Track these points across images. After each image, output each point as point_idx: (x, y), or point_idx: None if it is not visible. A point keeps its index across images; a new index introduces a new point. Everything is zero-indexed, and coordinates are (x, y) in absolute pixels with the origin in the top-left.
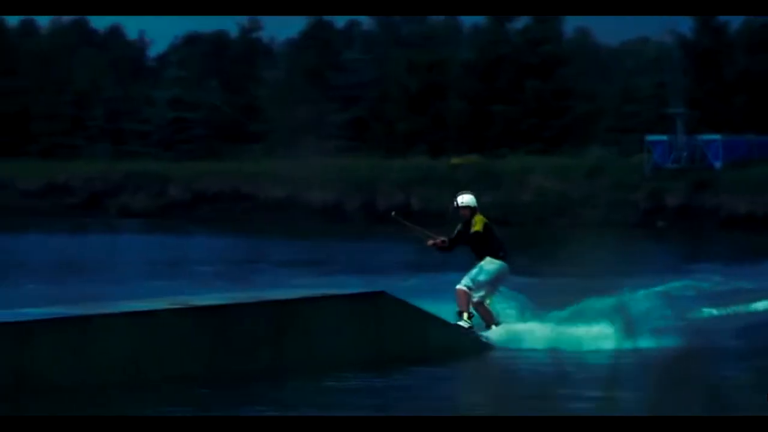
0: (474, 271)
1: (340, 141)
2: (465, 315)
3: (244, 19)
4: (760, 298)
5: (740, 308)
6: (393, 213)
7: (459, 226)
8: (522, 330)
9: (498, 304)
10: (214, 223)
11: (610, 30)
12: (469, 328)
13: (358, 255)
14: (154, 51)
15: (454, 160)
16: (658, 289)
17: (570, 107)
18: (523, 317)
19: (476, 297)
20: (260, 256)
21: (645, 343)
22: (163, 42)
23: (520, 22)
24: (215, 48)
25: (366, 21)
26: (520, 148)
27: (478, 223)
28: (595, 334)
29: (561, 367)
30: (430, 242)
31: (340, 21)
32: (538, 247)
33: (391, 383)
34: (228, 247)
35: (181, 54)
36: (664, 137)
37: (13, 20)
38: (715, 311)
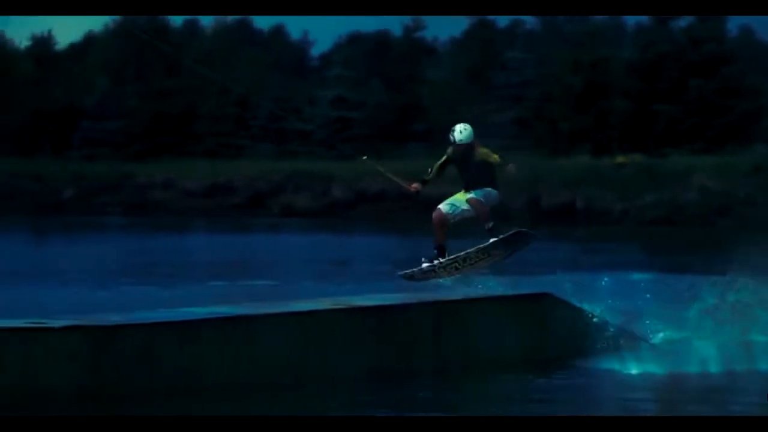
0: (484, 191)
1: (503, 140)
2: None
3: (407, 19)
4: None
5: None
6: (365, 157)
7: (445, 160)
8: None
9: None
10: (376, 222)
11: None
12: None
13: (521, 254)
14: (317, 50)
15: (619, 159)
16: None
17: (733, 106)
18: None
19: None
20: (421, 256)
21: None
22: (326, 41)
23: (684, 21)
24: (378, 47)
25: (529, 20)
26: (683, 147)
27: (491, 151)
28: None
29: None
30: (413, 186)
31: (502, 20)
32: (710, 248)
33: (555, 383)
34: (390, 246)
35: (344, 53)
36: None
37: (177, 21)
38: None
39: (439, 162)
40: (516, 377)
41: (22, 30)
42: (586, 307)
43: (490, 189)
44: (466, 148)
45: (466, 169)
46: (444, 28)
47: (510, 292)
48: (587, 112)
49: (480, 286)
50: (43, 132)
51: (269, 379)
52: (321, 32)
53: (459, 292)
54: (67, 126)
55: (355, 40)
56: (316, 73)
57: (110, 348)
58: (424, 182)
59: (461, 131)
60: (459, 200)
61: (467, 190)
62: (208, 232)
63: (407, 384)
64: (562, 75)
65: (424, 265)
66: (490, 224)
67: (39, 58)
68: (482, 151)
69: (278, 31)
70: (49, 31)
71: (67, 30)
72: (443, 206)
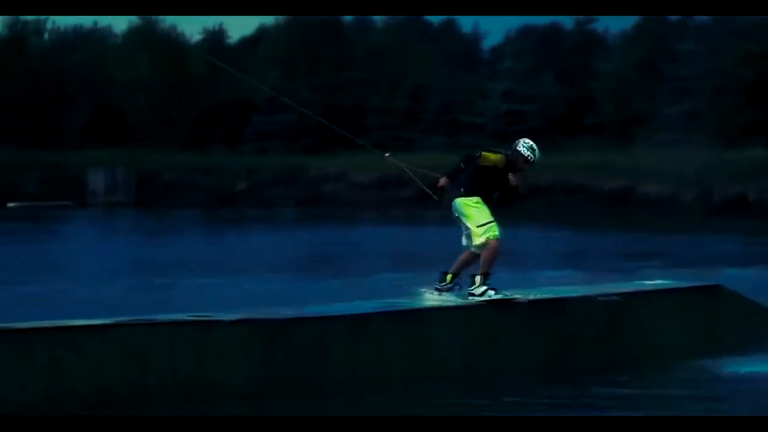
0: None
1: (675, 133)
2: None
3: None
4: None
5: None
6: (387, 154)
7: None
8: None
9: None
10: (549, 215)
11: None
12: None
13: (694, 247)
14: (488, 43)
15: None
16: None
17: None
18: None
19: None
20: (594, 249)
21: None
22: (497, 34)
23: None
24: (549, 40)
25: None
26: None
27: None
28: None
29: None
30: (441, 182)
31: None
32: None
33: (732, 378)
34: (562, 239)
35: (515, 46)
36: None
37: (348, 16)
38: None
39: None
40: (690, 370)
41: (194, 24)
42: (759, 300)
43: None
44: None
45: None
46: (615, 21)
47: (680, 284)
48: (761, 104)
49: (651, 282)
50: (216, 126)
51: (438, 372)
52: (492, 25)
53: (632, 285)
54: (239, 120)
55: (526, 32)
56: (487, 66)
57: (283, 342)
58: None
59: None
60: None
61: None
62: (379, 225)
63: (580, 379)
64: (733, 67)
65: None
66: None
67: (211, 52)
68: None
69: (449, 25)
70: (221, 26)
71: (239, 24)
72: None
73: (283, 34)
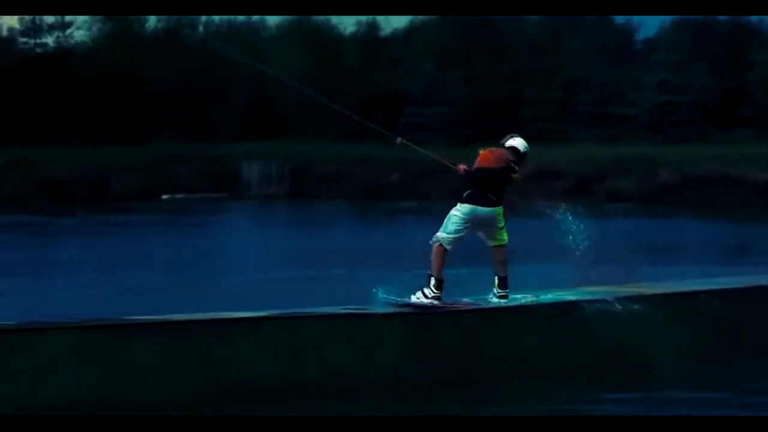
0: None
1: None
2: (432, 281)
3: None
4: None
5: None
6: (399, 140)
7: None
8: None
9: None
10: (703, 207)
11: None
12: (436, 298)
13: None
14: (642, 35)
15: None
16: None
17: None
18: None
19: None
20: (753, 244)
21: None
22: (652, 26)
23: None
24: (704, 31)
25: None
26: None
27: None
28: None
29: None
30: (461, 167)
31: None
32: None
33: None
34: (717, 232)
35: (670, 37)
36: None
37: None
38: None
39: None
40: None
41: (347, 17)
42: None
43: (454, 209)
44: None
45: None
46: None
47: None
48: None
49: None
50: (370, 117)
51: (598, 363)
52: (646, 17)
53: None
54: (393, 112)
55: (680, 24)
56: (640, 57)
57: (430, 335)
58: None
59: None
60: None
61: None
62: (535, 218)
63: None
64: None
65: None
66: (429, 272)
67: (364, 45)
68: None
69: (603, 17)
70: (374, 18)
71: (392, 16)
72: None
73: (437, 27)
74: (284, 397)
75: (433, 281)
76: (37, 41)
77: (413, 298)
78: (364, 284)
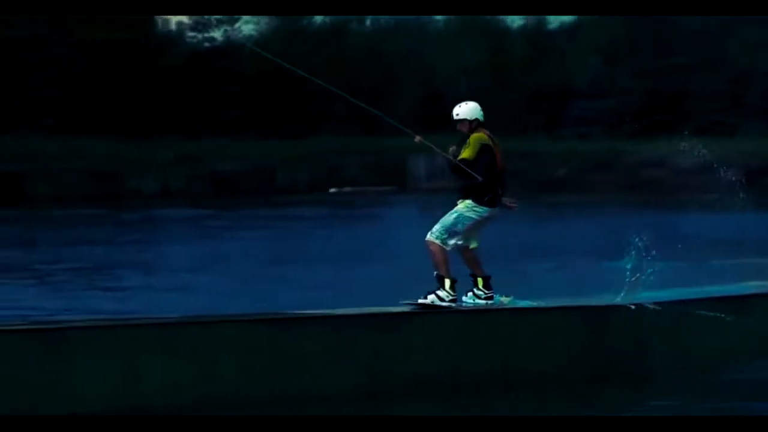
0: (450, 218)
1: None
2: (447, 282)
3: None
4: None
5: None
6: (417, 138)
7: (453, 147)
8: None
9: None
10: None
11: None
12: (452, 300)
13: None
14: None
15: None
16: None
17: None
18: None
19: (450, 245)
20: None
21: None
22: None
23: None
24: None
25: None
26: None
27: (470, 146)
28: None
29: None
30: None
31: None
32: None
33: None
34: None
35: None
36: None
37: None
38: None
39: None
40: None
41: None
42: None
43: (465, 204)
44: (468, 130)
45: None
46: None
47: None
48: None
49: None
50: (537, 111)
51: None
52: None
53: None
54: (560, 105)
55: None
56: None
57: (602, 329)
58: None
59: (460, 105)
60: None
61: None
62: (701, 211)
63: None
64: None
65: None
66: (436, 273)
67: (532, 39)
68: (473, 136)
69: None
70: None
71: None
72: None
73: (604, 20)
74: (449, 392)
75: (447, 282)
76: (205, 35)
77: (429, 300)
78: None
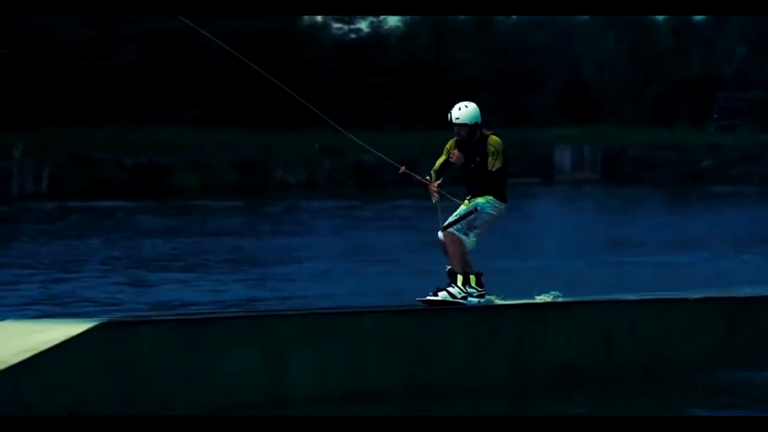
0: (470, 212)
1: None
2: (460, 278)
3: None
4: None
5: None
6: (402, 168)
7: (448, 150)
8: None
9: None
10: None
11: None
12: (480, 295)
13: None
14: None
15: None
16: None
17: None
18: None
19: (470, 239)
20: None
21: None
22: None
23: None
24: None
25: None
26: None
27: (500, 155)
28: None
29: None
30: (432, 186)
31: None
32: None
33: None
34: None
35: None
36: None
37: None
38: None
39: (438, 162)
40: None
41: None
42: None
43: (485, 200)
44: (472, 137)
45: (467, 168)
46: None
47: None
48: None
49: None
50: (683, 102)
51: None
52: None
53: None
54: (706, 96)
55: None
56: None
57: (744, 321)
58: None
59: (460, 108)
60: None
61: (467, 196)
62: None
63: None
64: None
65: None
66: (449, 268)
67: (677, 29)
68: (492, 142)
69: None
70: None
71: None
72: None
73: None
74: (594, 382)
75: (460, 278)
76: (351, 27)
77: (440, 296)
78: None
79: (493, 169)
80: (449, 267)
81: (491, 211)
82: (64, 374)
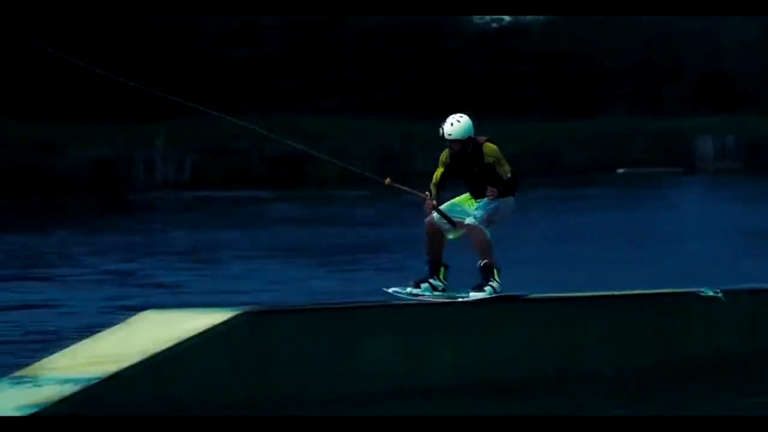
0: (490, 206)
1: None
2: (497, 272)
3: None
4: None
5: None
6: (387, 180)
7: (443, 162)
8: None
9: None
10: None
11: None
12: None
13: None
14: None
15: None
16: None
17: None
18: None
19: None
20: None
21: None
22: None
23: None
24: None
25: None
26: None
27: (503, 159)
28: None
29: None
30: (427, 203)
31: None
32: None
33: None
34: None
35: None
36: None
37: None
38: None
39: (436, 176)
40: None
41: None
42: None
43: (501, 200)
44: (468, 147)
45: (469, 176)
46: None
47: None
48: None
49: None
50: None
51: None
52: None
53: None
54: None
55: None
56: None
57: None
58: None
59: (452, 123)
60: (463, 206)
61: (474, 198)
62: None
63: None
64: None
65: (409, 289)
66: (484, 262)
67: None
68: (488, 152)
69: None
70: None
71: None
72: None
73: None
74: (738, 373)
75: (496, 273)
76: (493, 17)
77: (486, 292)
78: None
79: (509, 175)
80: (484, 261)
81: (506, 209)
82: (205, 364)
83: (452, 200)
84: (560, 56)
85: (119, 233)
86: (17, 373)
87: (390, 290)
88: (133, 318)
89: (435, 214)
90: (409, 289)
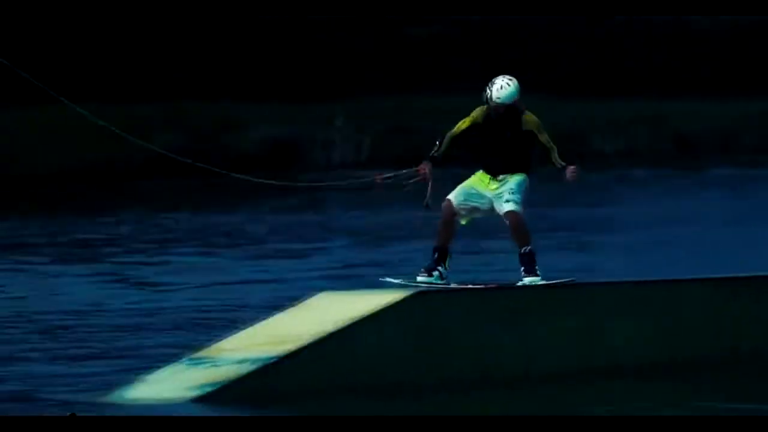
0: (521, 187)
1: None
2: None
3: None
4: None
5: None
6: (378, 179)
7: (474, 118)
8: None
9: None
10: None
11: None
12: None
13: None
14: None
15: None
16: None
17: None
18: None
19: None
20: None
21: None
22: None
23: None
24: None
25: None
26: None
27: (543, 129)
28: None
29: None
30: (420, 169)
31: None
32: None
33: None
34: None
35: None
36: None
37: None
38: None
39: (459, 128)
40: None
41: None
42: None
43: (523, 176)
44: (506, 112)
45: (499, 142)
46: None
47: None
48: None
49: None
50: None
51: None
52: None
53: None
54: None
55: None
56: None
57: None
58: (432, 159)
59: (502, 87)
60: (478, 188)
61: (493, 174)
62: None
63: None
64: None
65: (420, 278)
66: (528, 248)
67: None
68: (530, 120)
69: None
70: None
71: None
72: (454, 196)
73: None
74: None
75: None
76: None
77: (528, 281)
78: None
79: (552, 144)
80: (527, 248)
81: (527, 187)
82: (379, 344)
83: (463, 185)
84: (747, 34)
85: (294, 213)
86: (197, 354)
87: (386, 279)
88: (309, 300)
89: (453, 197)
90: (419, 278)
